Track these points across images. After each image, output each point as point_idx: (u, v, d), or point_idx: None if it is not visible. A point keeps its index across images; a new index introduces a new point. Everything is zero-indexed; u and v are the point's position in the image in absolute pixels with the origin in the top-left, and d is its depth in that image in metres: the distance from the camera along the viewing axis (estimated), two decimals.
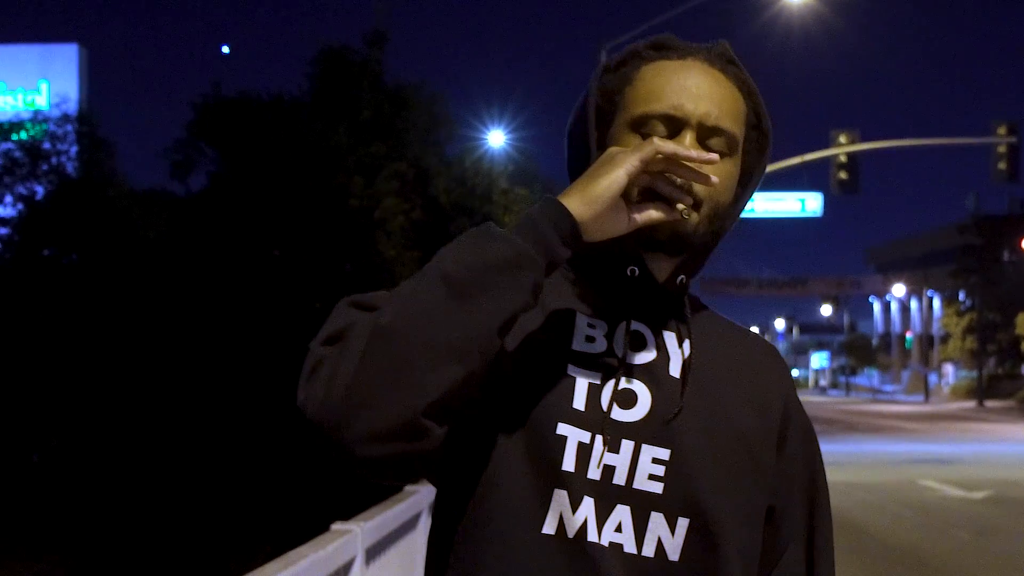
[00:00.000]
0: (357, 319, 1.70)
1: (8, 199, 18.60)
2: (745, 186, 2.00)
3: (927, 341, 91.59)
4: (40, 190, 18.88)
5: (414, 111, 22.77)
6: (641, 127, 1.87)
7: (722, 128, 1.87)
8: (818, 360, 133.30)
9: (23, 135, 19.57)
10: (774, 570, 2.01)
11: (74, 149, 19.52)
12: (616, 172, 1.74)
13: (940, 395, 79.48)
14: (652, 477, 1.84)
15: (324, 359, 1.67)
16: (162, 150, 19.91)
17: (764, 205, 35.09)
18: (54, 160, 19.09)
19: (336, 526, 5.04)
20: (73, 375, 18.10)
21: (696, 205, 1.83)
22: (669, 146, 1.74)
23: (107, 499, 17.74)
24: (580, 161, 1.93)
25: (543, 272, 1.73)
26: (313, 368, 1.68)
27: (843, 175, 31.46)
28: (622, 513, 1.82)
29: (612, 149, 1.79)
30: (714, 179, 1.79)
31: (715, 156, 1.79)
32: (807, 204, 35.62)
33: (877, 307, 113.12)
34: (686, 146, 1.80)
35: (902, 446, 32.14)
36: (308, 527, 6.53)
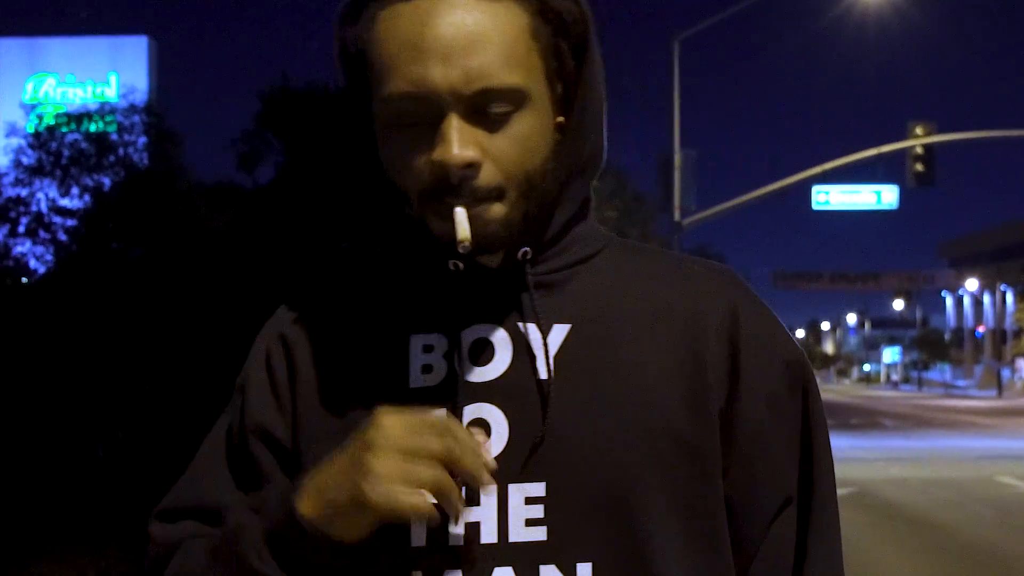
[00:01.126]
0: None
1: (75, 191, 18.52)
2: (583, 108, 1.54)
3: (1000, 336, 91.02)
4: (107, 182, 18.78)
5: None
6: (396, 122, 1.47)
7: (494, 88, 1.43)
8: (890, 355, 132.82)
9: (91, 127, 19.52)
10: (760, 548, 1.57)
11: (142, 140, 19.41)
12: (362, 520, 1.38)
13: (1013, 390, 78.98)
14: (531, 522, 1.46)
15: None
16: (230, 142, 19.81)
17: (840, 198, 34.74)
18: (121, 151, 18.99)
19: None
20: (138, 368, 18.03)
21: (481, 196, 1.44)
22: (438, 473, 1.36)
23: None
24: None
25: None
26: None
27: (919, 167, 30.99)
28: None
29: (371, 435, 1.38)
30: (489, 484, 1.39)
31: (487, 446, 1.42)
32: (883, 197, 35.14)
33: (949, 301, 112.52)
34: (450, 155, 1.41)
35: (978, 442, 31.71)
36: None
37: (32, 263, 18.08)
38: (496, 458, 1.44)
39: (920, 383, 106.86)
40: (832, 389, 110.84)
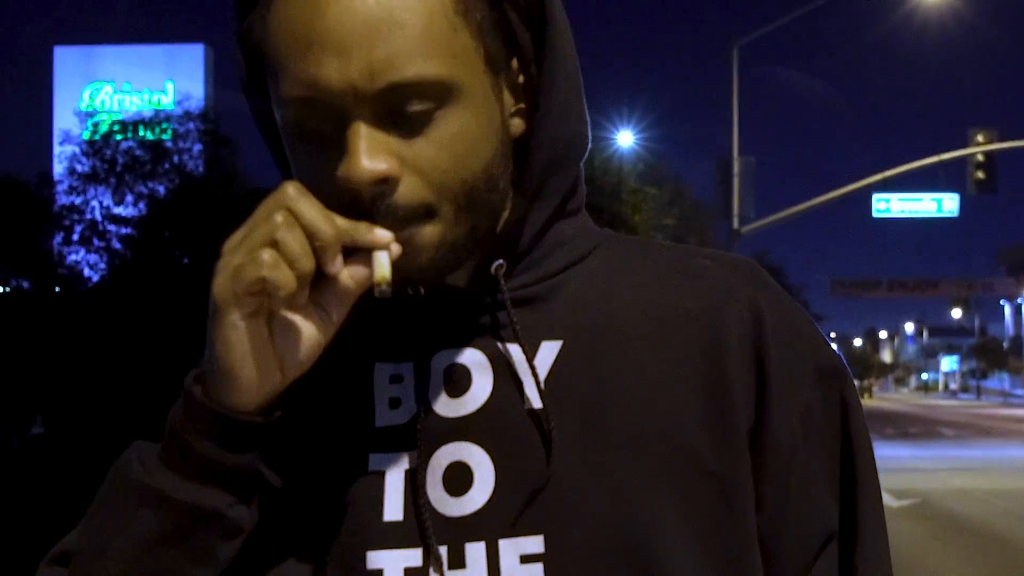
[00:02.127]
0: None
1: (129, 199, 18.51)
2: (551, 87, 1.24)
3: None
4: (162, 189, 18.77)
5: None
6: (299, 132, 1.18)
7: (406, 82, 1.13)
8: (948, 363, 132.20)
9: (148, 135, 19.56)
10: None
11: (197, 147, 19.40)
12: (222, 322, 1.13)
13: None
14: None
15: None
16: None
17: (900, 205, 34.37)
18: (176, 159, 18.98)
19: None
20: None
21: (404, 216, 1.15)
22: (291, 227, 1.11)
23: None
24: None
25: (231, 520, 1.17)
26: None
27: (980, 174, 30.66)
28: None
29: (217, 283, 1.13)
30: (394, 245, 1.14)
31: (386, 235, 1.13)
32: (943, 204, 34.78)
33: (1008, 310, 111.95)
34: (356, 169, 1.12)
35: None
36: None
37: (86, 271, 18.06)
38: (482, 509, 1.21)
39: (979, 392, 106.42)
40: (890, 398, 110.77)
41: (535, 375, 1.24)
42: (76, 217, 17.92)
